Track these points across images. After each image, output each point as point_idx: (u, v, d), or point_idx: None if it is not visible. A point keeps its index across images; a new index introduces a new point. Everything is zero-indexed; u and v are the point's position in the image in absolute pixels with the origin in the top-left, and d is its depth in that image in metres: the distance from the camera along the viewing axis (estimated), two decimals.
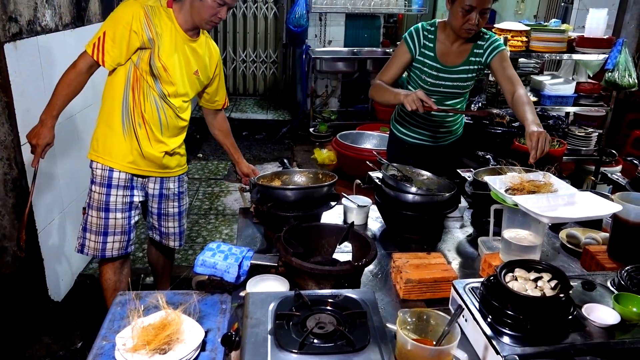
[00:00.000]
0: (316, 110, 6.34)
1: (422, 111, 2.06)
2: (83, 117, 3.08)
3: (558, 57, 4.08)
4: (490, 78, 3.90)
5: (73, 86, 2.09)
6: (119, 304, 1.52)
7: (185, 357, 1.26)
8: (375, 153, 2.31)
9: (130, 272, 2.42)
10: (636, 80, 3.80)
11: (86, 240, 2.24)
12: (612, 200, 1.68)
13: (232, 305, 1.51)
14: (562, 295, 1.28)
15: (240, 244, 1.91)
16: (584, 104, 4.12)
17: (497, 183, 1.76)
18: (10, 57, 2.30)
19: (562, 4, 5.67)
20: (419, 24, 2.33)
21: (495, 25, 4.00)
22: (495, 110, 2.25)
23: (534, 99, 4.05)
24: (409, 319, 1.25)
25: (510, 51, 3.71)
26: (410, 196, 1.90)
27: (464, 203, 2.17)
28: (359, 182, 2.23)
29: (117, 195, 2.21)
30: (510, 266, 1.41)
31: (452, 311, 1.25)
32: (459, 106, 2.44)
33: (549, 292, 1.31)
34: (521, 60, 4.22)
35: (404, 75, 2.49)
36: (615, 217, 1.68)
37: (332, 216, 2.12)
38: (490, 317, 1.28)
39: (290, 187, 2.02)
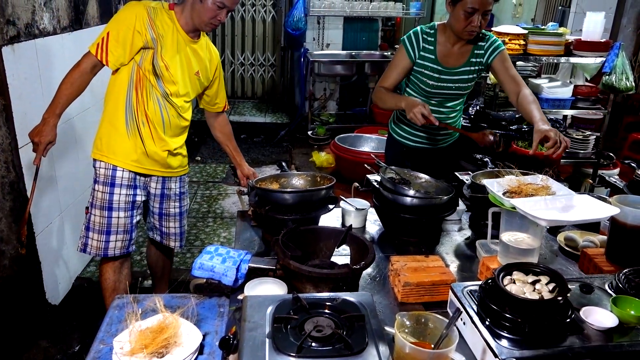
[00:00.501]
0: (314, 113, 6.35)
1: (420, 124, 2.06)
2: (81, 120, 3.08)
3: (555, 60, 4.09)
4: (488, 81, 3.91)
5: (76, 85, 2.12)
6: (117, 307, 1.52)
7: None
8: (373, 156, 2.31)
9: (130, 273, 2.43)
10: (633, 84, 3.81)
11: (89, 240, 2.27)
12: (609, 203, 1.68)
13: (230, 309, 1.51)
14: (560, 298, 1.28)
15: (238, 247, 1.90)
16: (582, 107, 4.14)
17: (495, 186, 1.76)
18: (8, 60, 2.30)
19: (560, 7, 5.69)
20: (418, 28, 2.33)
21: (493, 29, 4.01)
22: (491, 137, 2.23)
23: None
24: (407, 322, 1.25)
25: (508, 54, 3.72)
26: (408, 199, 1.90)
27: (462, 206, 2.17)
28: (357, 185, 2.23)
29: (120, 194, 2.23)
30: (508, 269, 1.41)
31: (450, 314, 1.25)
32: (458, 107, 2.46)
33: (547, 295, 1.31)
34: (519, 63, 4.22)
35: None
36: (612, 220, 1.68)
37: (330, 219, 2.12)
38: (488, 320, 1.28)
39: (289, 190, 2.02)
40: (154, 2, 2.17)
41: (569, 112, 4.16)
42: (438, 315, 1.23)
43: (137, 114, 2.17)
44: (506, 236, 1.66)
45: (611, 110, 4.04)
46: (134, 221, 2.32)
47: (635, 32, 5.24)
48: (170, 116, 2.23)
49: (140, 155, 2.23)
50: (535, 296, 1.31)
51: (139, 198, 2.31)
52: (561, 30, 4.02)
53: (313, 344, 1.13)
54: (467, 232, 2.10)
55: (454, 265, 1.84)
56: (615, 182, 3.18)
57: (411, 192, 1.91)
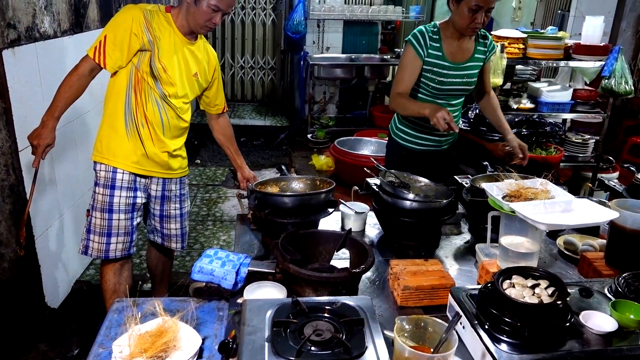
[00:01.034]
0: (314, 117, 6.35)
1: (442, 130, 2.08)
2: (81, 123, 3.09)
3: (555, 64, 4.10)
4: None
5: (74, 89, 2.13)
6: (116, 310, 1.52)
7: None
8: (373, 159, 2.31)
9: (130, 275, 2.44)
10: (632, 87, 3.82)
11: (90, 242, 2.27)
12: (609, 207, 1.69)
13: (230, 312, 1.51)
14: (559, 302, 1.28)
15: (238, 250, 1.91)
16: (581, 110, 4.14)
17: (495, 190, 1.76)
18: (8, 63, 2.30)
19: (559, 11, 5.71)
20: (422, 27, 2.36)
21: (492, 32, 4.01)
22: (507, 148, 2.42)
23: (531, 105, 4.07)
24: (407, 326, 1.25)
25: (508, 58, 3.73)
26: (407, 203, 1.90)
27: (461, 210, 2.17)
28: (357, 188, 2.23)
29: (120, 196, 2.24)
30: (507, 273, 1.41)
31: (450, 318, 1.25)
32: (459, 106, 2.51)
33: (546, 299, 1.31)
34: (518, 67, 4.23)
35: None
36: (612, 224, 1.69)
37: (329, 223, 2.12)
38: (487, 324, 1.28)
39: (288, 193, 2.02)
40: (150, 5, 2.19)
41: (568, 116, 4.17)
42: (437, 319, 1.23)
43: (136, 116, 2.18)
44: (506, 240, 1.66)
45: (610, 114, 4.04)
46: (135, 223, 2.34)
47: (635, 36, 5.25)
48: (169, 117, 2.24)
49: (140, 156, 2.24)
50: (535, 300, 1.31)
51: (139, 200, 2.32)
52: (560, 34, 4.03)
53: (312, 348, 1.13)
54: (467, 236, 2.10)
55: (453, 269, 1.84)
56: (614, 185, 3.18)
57: (411, 196, 1.91)
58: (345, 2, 6.31)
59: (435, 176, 2.20)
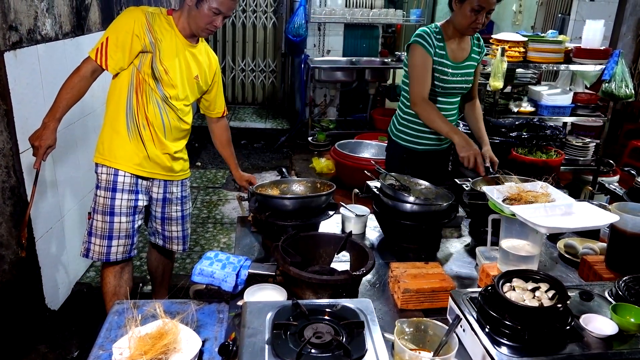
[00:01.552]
0: (315, 120, 6.36)
1: (469, 167, 2.17)
2: (82, 125, 3.09)
3: (555, 68, 4.11)
4: (488, 88, 3.92)
5: (76, 90, 2.14)
6: (116, 312, 1.52)
7: None
8: (373, 162, 2.31)
9: (131, 278, 2.44)
10: (633, 91, 3.83)
11: (91, 245, 2.28)
12: (609, 210, 1.69)
13: (230, 315, 1.51)
14: (559, 305, 1.28)
15: (238, 253, 1.91)
16: (581, 114, 4.15)
17: (495, 193, 1.76)
18: (10, 65, 2.31)
19: (559, 15, 5.72)
20: (425, 28, 2.39)
21: (493, 36, 4.03)
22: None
23: (532, 109, 4.07)
24: (407, 329, 1.25)
25: (508, 61, 3.74)
26: (408, 205, 1.90)
27: (461, 213, 2.17)
28: (357, 191, 2.23)
29: (122, 199, 2.25)
30: (508, 276, 1.41)
31: (450, 321, 1.25)
32: (457, 104, 2.56)
33: (546, 303, 1.31)
34: (519, 70, 4.24)
35: (403, 79, 2.53)
36: (612, 227, 1.68)
37: (330, 225, 2.12)
38: (488, 327, 1.28)
39: (289, 196, 2.02)
40: (152, 7, 2.20)
41: (568, 120, 4.17)
42: (438, 322, 1.24)
43: (137, 117, 2.19)
44: (506, 243, 1.66)
45: (611, 118, 4.05)
46: (136, 226, 2.34)
47: (635, 40, 5.26)
48: (171, 119, 2.25)
49: (142, 158, 2.24)
50: (535, 303, 1.31)
51: (140, 203, 2.32)
52: (561, 37, 4.04)
53: (312, 351, 1.13)
54: (467, 239, 2.10)
55: (453, 272, 1.84)
56: (615, 189, 3.17)
57: (411, 199, 1.91)
58: (346, 5, 6.33)
59: (436, 178, 2.21)
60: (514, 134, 3.53)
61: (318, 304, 1.30)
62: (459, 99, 2.54)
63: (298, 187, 2.12)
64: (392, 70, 6.25)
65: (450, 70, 2.40)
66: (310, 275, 1.45)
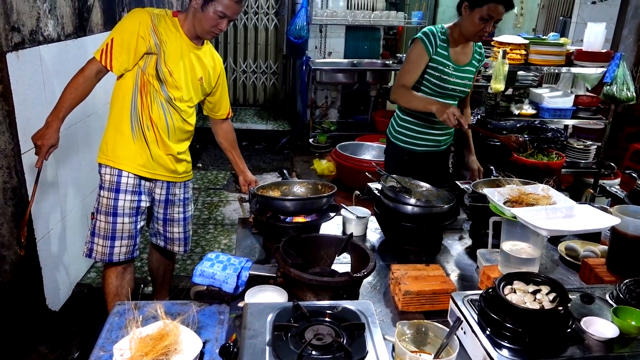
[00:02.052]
0: (316, 121, 6.36)
1: (452, 126, 2.18)
2: (84, 126, 3.09)
3: (557, 71, 4.11)
4: (489, 90, 3.92)
5: (80, 90, 2.14)
6: (117, 313, 1.52)
7: None
8: (374, 164, 2.31)
9: (132, 278, 2.44)
10: (634, 94, 3.82)
11: (94, 245, 2.28)
12: (610, 213, 1.69)
13: (231, 316, 1.51)
14: (560, 308, 1.28)
15: (239, 254, 1.91)
16: (583, 116, 4.15)
17: (496, 195, 1.76)
18: (12, 66, 2.31)
19: (561, 17, 5.72)
20: (432, 27, 2.42)
21: (494, 38, 4.03)
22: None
23: (533, 111, 4.07)
24: (408, 331, 1.25)
25: (510, 64, 3.74)
26: (409, 208, 1.90)
27: (462, 215, 2.17)
28: (358, 193, 2.24)
29: (125, 200, 2.25)
30: (509, 279, 1.41)
31: (451, 323, 1.25)
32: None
33: (547, 305, 1.31)
34: (520, 73, 4.24)
35: None
36: (613, 230, 1.68)
37: (331, 227, 2.12)
38: (489, 329, 1.28)
39: (289, 197, 2.03)
40: (158, 9, 2.21)
41: (570, 122, 4.17)
42: (439, 325, 1.24)
43: (142, 119, 2.20)
44: (507, 245, 1.66)
45: (612, 121, 4.04)
46: (139, 227, 2.34)
47: (636, 43, 5.26)
48: (175, 121, 2.26)
49: (145, 159, 2.25)
50: (536, 306, 1.31)
51: (143, 204, 2.33)
52: (562, 40, 4.04)
53: (313, 352, 1.13)
54: (468, 241, 2.10)
55: (454, 274, 1.84)
56: (616, 192, 3.17)
57: (412, 201, 1.91)
58: (347, 7, 6.33)
59: (436, 180, 2.23)
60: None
61: (319, 306, 1.30)
62: (456, 102, 2.56)
63: (299, 189, 2.12)
64: (393, 72, 6.24)
65: (451, 72, 2.42)
66: (311, 276, 1.45)
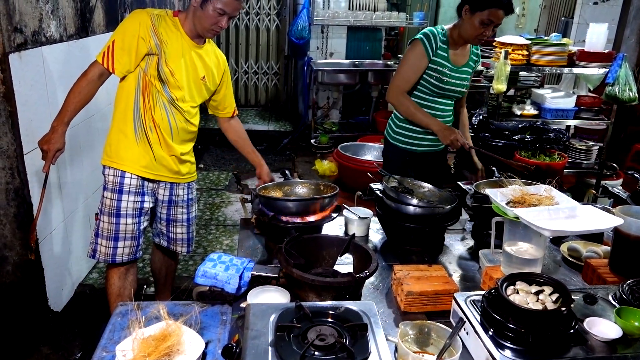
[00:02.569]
0: (317, 122, 6.36)
1: (454, 149, 2.38)
2: (86, 128, 3.10)
3: (559, 71, 4.10)
4: (491, 91, 3.92)
5: (84, 94, 2.16)
6: (120, 314, 1.52)
7: None
8: (376, 165, 2.32)
9: (135, 279, 2.45)
10: (637, 94, 3.82)
11: (98, 246, 2.29)
12: (613, 213, 1.68)
13: (233, 317, 1.51)
14: (563, 308, 1.28)
15: (241, 254, 1.91)
16: (585, 117, 4.14)
17: (499, 196, 1.76)
18: (14, 67, 2.32)
19: (562, 18, 5.72)
20: (433, 29, 2.43)
21: (496, 39, 4.03)
22: (522, 164, 2.50)
23: (535, 111, 4.07)
24: (410, 332, 1.25)
25: (511, 65, 3.74)
26: (411, 208, 1.90)
27: (465, 215, 2.17)
28: (360, 193, 2.24)
29: (128, 201, 2.26)
30: (511, 279, 1.41)
31: (454, 324, 1.25)
32: (451, 107, 2.60)
33: (550, 306, 1.31)
34: (522, 73, 4.24)
35: None
36: (616, 230, 1.68)
37: (333, 228, 2.12)
38: (491, 330, 1.28)
39: (292, 198, 2.03)
40: (158, 10, 2.21)
41: (572, 123, 4.17)
42: (441, 325, 1.23)
43: (144, 120, 2.20)
44: (509, 246, 1.65)
45: (614, 121, 4.04)
46: (142, 227, 2.35)
47: (638, 43, 5.25)
48: (178, 121, 2.26)
49: (149, 161, 2.26)
50: (539, 306, 1.31)
51: (146, 205, 2.33)
52: (564, 41, 4.03)
53: (316, 353, 1.13)
54: (470, 242, 2.10)
55: (456, 274, 1.84)
56: (618, 192, 3.17)
57: (414, 201, 1.91)
58: (349, 8, 6.33)
59: (436, 179, 2.24)
60: (517, 137, 3.53)
61: (321, 306, 1.30)
62: (453, 102, 2.58)
63: (301, 189, 2.12)
64: (394, 73, 6.25)
65: (449, 73, 2.43)
66: (314, 277, 1.45)
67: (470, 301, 1.40)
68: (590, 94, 4.35)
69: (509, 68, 3.67)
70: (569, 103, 4.06)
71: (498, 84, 3.69)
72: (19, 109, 2.37)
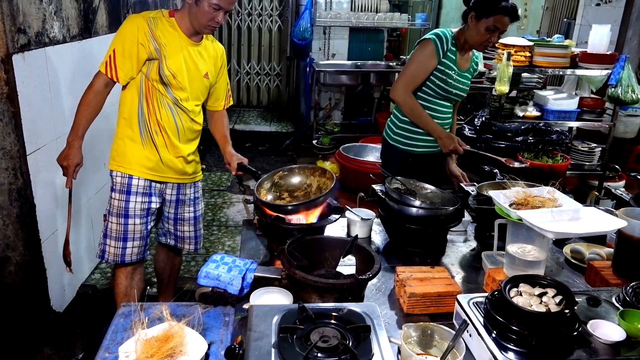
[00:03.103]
0: (319, 123, 6.36)
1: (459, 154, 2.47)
2: (89, 128, 3.09)
3: (561, 72, 4.10)
4: (494, 92, 3.92)
5: (93, 105, 2.19)
6: (122, 315, 1.52)
7: None
8: (378, 166, 2.32)
9: (142, 279, 2.47)
10: (639, 96, 3.81)
11: (106, 246, 2.31)
12: (616, 215, 1.68)
13: (236, 318, 1.51)
14: (567, 311, 1.28)
15: (244, 256, 1.91)
16: (587, 119, 4.14)
17: (502, 197, 1.76)
18: (18, 67, 2.32)
19: (565, 19, 5.71)
20: (444, 31, 2.43)
21: (499, 40, 4.02)
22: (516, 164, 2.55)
23: (537, 113, 4.07)
24: (414, 334, 1.25)
25: (514, 66, 3.74)
26: (414, 210, 1.90)
27: (467, 217, 2.17)
28: (363, 195, 2.23)
29: (135, 201, 2.28)
30: (514, 281, 1.41)
31: (457, 326, 1.25)
32: (452, 109, 2.63)
33: (554, 308, 1.31)
34: (524, 75, 4.24)
35: None
36: (619, 232, 1.68)
37: (335, 229, 2.12)
38: (495, 332, 1.28)
39: (293, 203, 2.02)
40: (154, 12, 2.20)
41: (574, 124, 4.16)
42: (444, 327, 1.23)
43: (149, 124, 2.22)
44: (512, 248, 1.65)
45: (617, 123, 4.03)
46: (149, 228, 2.37)
47: None
48: (183, 121, 2.28)
49: (155, 163, 2.27)
50: (542, 309, 1.30)
51: (154, 205, 2.35)
52: (567, 42, 4.03)
53: (319, 355, 1.13)
54: (473, 244, 2.09)
55: (459, 276, 1.84)
56: (621, 194, 3.16)
57: (417, 203, 1.91)
58: (351, 9, 6.33)
59: (436, 180, 2.25)
60: (519, 139, 3.52)
61: (324, 308, 1.30)
62: (452, 105, 2.61)
63: (296, 179, 2.15)
64: (396, 74, 6.24)
65: (455, 76, 2.45)
66: (316, 278, 1.45)
67: (473, 303, 1.40)
68: (592, 96, 4.34)
69: (511, 69, 3.67)
70: (572, 105, 4.05)
71: (500, 86, 3.69)
72: (22, 109, 2.37)
